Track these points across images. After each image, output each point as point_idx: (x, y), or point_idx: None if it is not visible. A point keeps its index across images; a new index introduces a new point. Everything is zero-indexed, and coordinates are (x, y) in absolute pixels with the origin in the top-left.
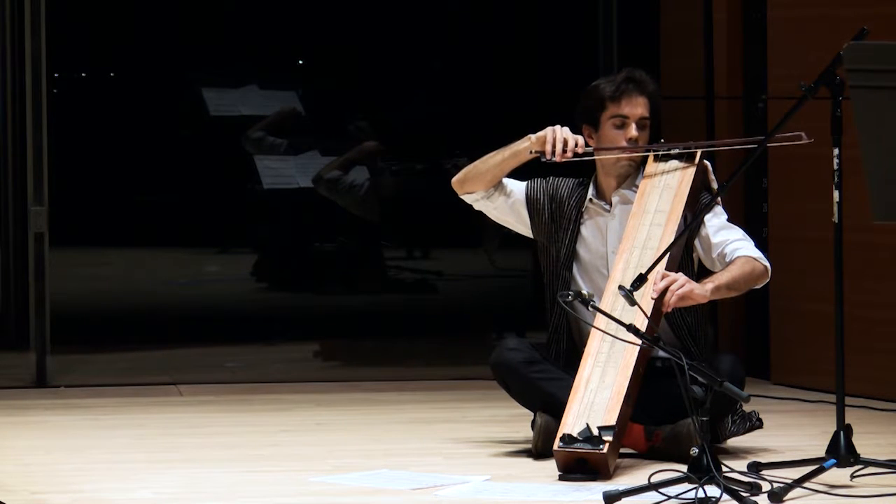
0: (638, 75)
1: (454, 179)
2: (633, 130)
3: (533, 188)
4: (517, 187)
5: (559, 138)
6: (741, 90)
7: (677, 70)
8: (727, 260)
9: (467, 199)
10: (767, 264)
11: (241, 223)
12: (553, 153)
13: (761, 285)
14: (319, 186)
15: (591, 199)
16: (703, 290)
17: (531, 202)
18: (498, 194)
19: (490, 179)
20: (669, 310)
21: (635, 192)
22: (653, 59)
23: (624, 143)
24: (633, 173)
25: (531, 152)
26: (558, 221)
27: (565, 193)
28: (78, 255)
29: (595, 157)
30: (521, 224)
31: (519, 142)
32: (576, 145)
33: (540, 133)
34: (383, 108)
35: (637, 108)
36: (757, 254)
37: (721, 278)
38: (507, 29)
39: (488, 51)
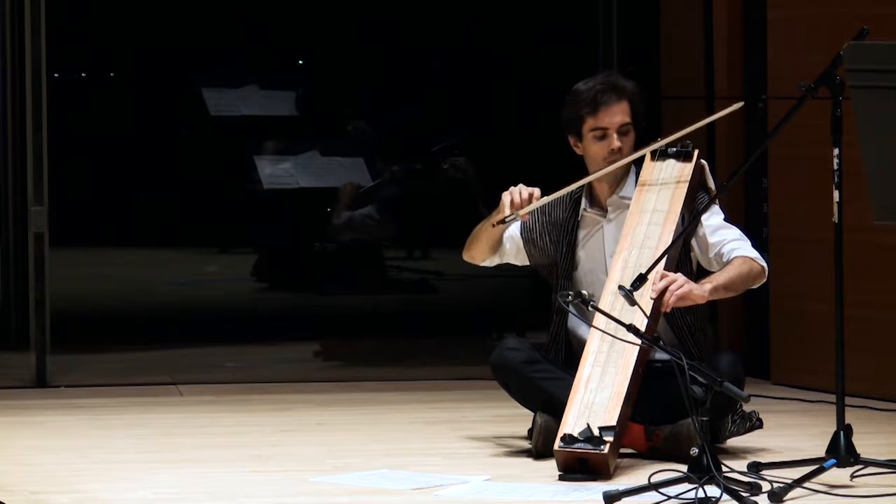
0: (613, 80)
1: (463, 256)
2: (615, 141)
3: (525, 221)
4: (514, 229)
5: (511, 201)
6: (741, 90)
7: (677, 70)
8: (724, 260)
9: (485, 265)
10: (764, 264)
11: (241, 223)
12: (511, 215)
13: (758, 285)
14: (342, 233)
15: (585, 209)
16: (701, 291)
17: (525, 231)
18: (502, 249)
19: (488, 248)
20: (668, 310)
21: (630, 196)
22: (653, 59)
23: (607, 154)
24: (625, 177)
25: (493, 225)
26: (555, 235)
27: (559, 208)
28: (78, 255)
29: (552, 198)
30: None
31: (495, 210)
32: (530, 199)
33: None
34: (383, 108)
35: (616, 116)
36: (754, 254)
37: (719, 279)
38: (507, 29)
39: (488, 51)
